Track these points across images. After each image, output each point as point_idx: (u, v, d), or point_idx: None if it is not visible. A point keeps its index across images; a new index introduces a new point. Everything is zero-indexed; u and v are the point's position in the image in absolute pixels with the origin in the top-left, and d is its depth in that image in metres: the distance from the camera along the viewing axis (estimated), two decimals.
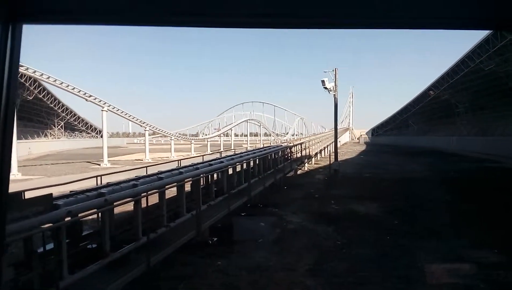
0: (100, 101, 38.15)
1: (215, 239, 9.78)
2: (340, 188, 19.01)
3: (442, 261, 8.68)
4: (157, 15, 1.44)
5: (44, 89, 50.64)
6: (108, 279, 5.60)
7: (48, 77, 35.83)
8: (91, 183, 8.47)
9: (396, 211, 13.89)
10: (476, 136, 45.82)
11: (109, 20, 1.55)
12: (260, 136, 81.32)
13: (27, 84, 43.93)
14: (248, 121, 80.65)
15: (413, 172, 26.95)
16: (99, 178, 8.57)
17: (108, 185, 7.26)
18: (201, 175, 10.14)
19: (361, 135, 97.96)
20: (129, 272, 6.01)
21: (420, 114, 63.93)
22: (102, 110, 38.05)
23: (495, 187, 18.05)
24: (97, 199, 6.08)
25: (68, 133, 72.95)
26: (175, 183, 8.53)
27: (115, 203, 6.48)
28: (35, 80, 43.69)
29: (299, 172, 25.29)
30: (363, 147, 64.63)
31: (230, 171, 12.27)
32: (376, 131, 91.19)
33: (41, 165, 34.32)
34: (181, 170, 9.58)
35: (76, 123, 72.95)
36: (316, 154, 34.16)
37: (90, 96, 37.74)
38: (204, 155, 19.69)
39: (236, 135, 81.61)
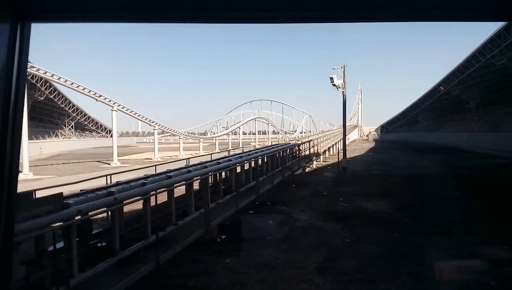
0: (110, 101, 38.47)
1: (224, 237, 9.82)
2: (348, 186, 18.93)
3: (452, 258, 8.62)
4: (161, 11, 1.44)
5: (55, 89, 51.27)
6: (118, 277, 5.66)
7: (59, 78, 36.21)
8: (101, 182, 8.58)
9: (405, 208, 13.80)
10: (487, 132, 45.21)
11: (118, 17, 1.55)
12: (268, 134, 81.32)
13: (38, 85, 44.52)
14: (257, 119, 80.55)
15: (423, 168, 26.72)
16: (108, 177, 8.68)
17: (118, 184, 7.33)
18: (210, 173, 10.18)
19: (370, 132, 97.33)
20: (139, 270, 6.08)
21: (430, 110, 63.28)
22: (112, 110, 38.35)
23: (506, 184, 17.81)
24: (106, 198, 6.14)
25: (78, 132, 73.75)
26: (184, 182, 8.58)
27: (124, 202, 6.55)
28: (46, 81, 44.23)
29: (307, 169, 25.22)
30: (372, 144, 64.18)
31: (238, 169, 12.30)
32: (385, 128, 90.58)
33: (52, 165, 34.76)
34: (189, 168, 9.63)
35: (86, 123, 73.72)
36: (324, 151, 34.04)
37: (100, 96, 38.07)
38: (213, 153, 19.74)
39: (244, 134, 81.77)
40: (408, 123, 77.86)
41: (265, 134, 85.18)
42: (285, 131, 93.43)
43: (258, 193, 12.93)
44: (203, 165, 10.57)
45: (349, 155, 30.42)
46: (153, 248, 6.64)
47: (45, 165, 34.82)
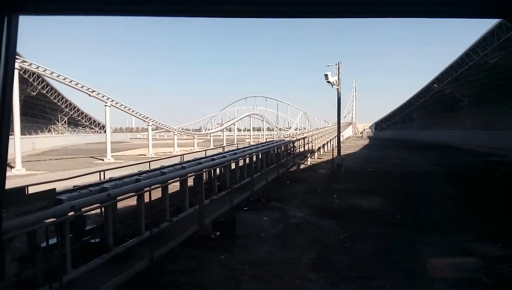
0: (103, 96, 38.17)
1: (218, 233, 9.81)
2: (343, 183, 19.00)
3: (446, 255, 8.69)
4: (155, 4, 1.41)
5: (48, 84, 50.80)
6: (112, 273, 5.62)
7: (52, 73, 35.82)
8: (94, 178, 8.51)
9: (400, 205, 13.87)
10: (480, 130, 45.61)
11: (107, 11, 1.50)
12: (263, 130, 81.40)
13: (30, 80, 44.08)
14: (251, 115, 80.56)
15: (417, 166, 26.88)
16: (102, 173, 8.61)
17: (111, 180, 7.27)
18: (204, 170, 10.14)
19: (364, 129, 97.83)
20: (133, 266, 6.03)
21: (424, 108, 63.68)
22: (105, 106, 38.06)
23: (499, 181, 17.98)
24: (100, 194, 6.08)
25: (71, 128, 73.27)
26: (178, 178, 8.53)
27: (118, 198, 6.49)
28: (38, 76, 43.79)
29: (302, 166, 25.28)
30: (366, 141, 64.48)
31: (233, 166, 12.26)
32: (379, 125, 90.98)
33: (45, 161, 34.51)
34: (184, 165, 9.57)
35: (79, 118, 73.26)
36: (319, 148, 34.11)
37: (93, 91, 37.74)
38: (207, 150, 19.70)
39: (239, 130, 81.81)
40: (402, 120, 78.29)
41: (260, 130, 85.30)
42: (280, 128, 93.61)
43: (253, 190, 12.91)
44: (197, 161, 10.52)
45: (343, 152, 30.53)
46: (147, 244, 6.60)
47: (38, 160, 34.55)
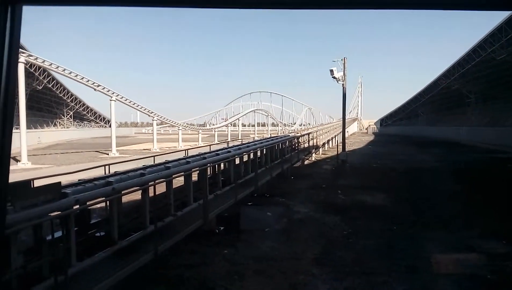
0: (108, 91, 38.28)
1: (222, 228, 9.83)
2: (347, 179, 18.95)
3: (450, 252, 8.66)
4: None
5: (54, 78, 50.98)
6: (116, 266, 5.66)
7: (57, 67, 35.93)
8: (99, 172, 8.56)
9: (404, 201, 13.83)
10: (487, 126, 45.26)
11: (108, 0, 1.47)
12: (267, 126, 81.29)
13: (36, 74, 44.27)
14: (256, 111, 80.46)
15: (422, 162, 26.76)
16: (107, 167, 8.66)
17: (116, 174, 7.31)
18: (208, 164, 10.16)
19: (369, 125, 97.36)
20: (137, 260, 6.07)
21: (430, 104, 63.22)
22: (110, 100, 38.20)
23: (504, 178, 17.86)
24: (105, 188, 6.13)
25: (77, 122, 73.56)
26: (182, 173, 8.55)
27: (122, 192, 6.53)
28: (44, 70, 43.97)
29: (306, 162, 25.23)
30: (372, 138, 64.21)
31: (237, 161, 12.28)
32: (384, 121, 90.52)
33: (50, 154, 34.73)
34: (188, 159, 9.60)
35: (84, 112, 73.50)
36: (323, 144, 34.02)
37: (99, 85, 37.86)
38: (212, 145, 19.72)
39: (243, 125, 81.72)
40: (407, 117, 77.81)
41: (264, 126, 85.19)
42: (285, 124, 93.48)
43: (257, 185, 12.92)
44: (202, 156, 10.55)
45: (348, 148, 30.43)
46: (151, 238, 6.64)
47: (44, 154, 34.78)
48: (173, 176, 8.10)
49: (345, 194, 14.92)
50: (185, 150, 14.88)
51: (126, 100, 41.41)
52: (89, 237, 6.30)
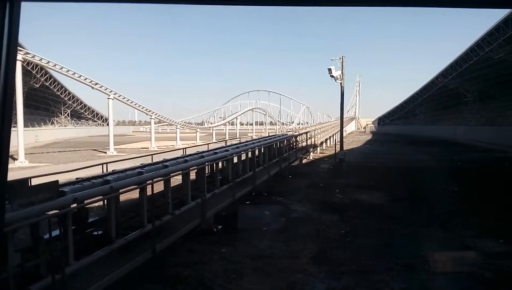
0: (106, 89, 38.14)
1: (220, 227, 9.84)
2: (345, 178, 18.98)
3: (447, 250, 8.69)
4: None
5: (51, 76, 50.79)
6: (114, 265, 5.66)
7: (55, 65, 35.79)
8: (97, 171, 8.54)
9: (402, 200, 13.86)
10: (484, 125, 45.39)
11: None
12: (265, 125, 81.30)
13: (33, 72, 44.08)
14: (254, 110, 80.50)
15: (419, 161, 26.83)
16: (104, 165, 8.64)
17: (114, 172, 7.30)
18: (206, 163, 10.16)
19: (367, 124, 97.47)
20: (135, 258, 6.07)
21: (428, 103, 63.32)
22: (108, 98, 38.07)
23: (502, 177, 17.93)
24: (102, 186, 6.11)
25: (74, 121, 73.34)
26: (180, 171, 8.55)
27: (120, 191, 6.51)
28: (41, 68, 43.78)
29: (304, 161, 25.25)
30: (369, 137, 64.31)
31: (235, 160, 12.27)
32: (382, 120, 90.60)
33: (48, 153, 34.62)
34: (186, 158, 9.59)
35: (82, 111, 73.27)
36: (321, 143, 34.05)
37: (96, 84, 37.72)
38: (209, 143, 19.71)
39: (241, 124, 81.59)
40: (405, 116, 77.91)
41: (263, 125, 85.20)
42: (283, 122, 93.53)
43: (255, 184, 12.93)
44: (200, 155, 10.54)
45: (346, 147, 30.46)
46: (149, 237, 6.63)
47: (41, 153, 34.68)
48: (171, 174, 8.08)
49: (343, 193, 14.94)
50: (183, 148, 14.87)
51: (123, 98, 41.28)
52: (87, 235, 6.29)
